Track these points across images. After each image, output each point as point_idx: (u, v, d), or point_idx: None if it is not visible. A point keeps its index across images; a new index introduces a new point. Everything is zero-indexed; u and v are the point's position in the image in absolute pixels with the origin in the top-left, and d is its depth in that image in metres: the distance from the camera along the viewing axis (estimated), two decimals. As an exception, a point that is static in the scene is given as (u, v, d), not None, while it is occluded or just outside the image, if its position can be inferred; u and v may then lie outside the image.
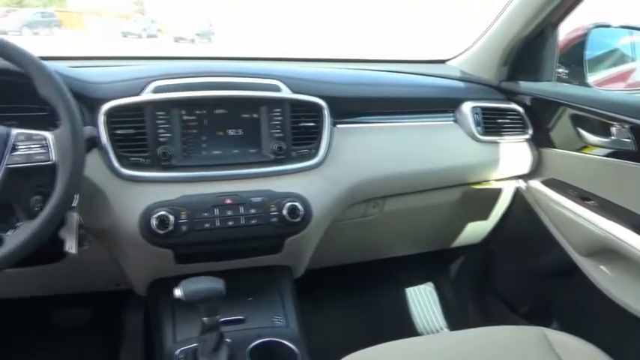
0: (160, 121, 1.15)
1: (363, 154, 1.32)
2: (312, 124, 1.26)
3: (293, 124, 1.24)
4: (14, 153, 0.88)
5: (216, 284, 1.02)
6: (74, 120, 0.91)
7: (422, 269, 1.96)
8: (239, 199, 1.16)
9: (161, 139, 1.15)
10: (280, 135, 1.22)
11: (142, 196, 1.13)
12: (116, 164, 1.12)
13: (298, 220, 1.17)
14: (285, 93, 1.23)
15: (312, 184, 1.23)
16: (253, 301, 1.23)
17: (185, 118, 1.18)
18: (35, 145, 0.90)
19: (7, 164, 0.87)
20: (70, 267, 1.21)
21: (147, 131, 1.14)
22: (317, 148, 1.26)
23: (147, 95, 1.15)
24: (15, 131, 0.90)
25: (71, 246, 1.05)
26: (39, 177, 1.05)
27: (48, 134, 0.91)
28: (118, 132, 1.13)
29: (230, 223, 1.15)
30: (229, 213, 1.15)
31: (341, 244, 1.47)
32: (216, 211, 1.14)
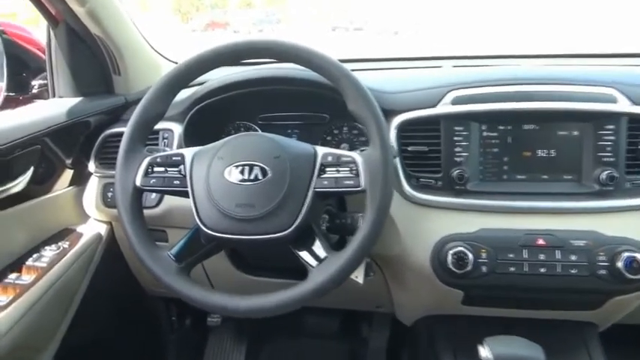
0: (457, 138, 0.98)
1: None
2: None
3: (630, 145, 0.94)
4: (322, 176, 0.80)
5: (537, 353, 0.81)
6: (385, 142, 0.79)
7: None
8: (555, 240, 0.92)
9: (457, 159, 0.98)
10: (611, 160, 0.93)
11: (434, 224, 0.98)
12: (406, 186, 0.99)
13: (639, 276, 0.88)
14: (623, 105, 0.94)
15: None
16: None
17: (485, 134, 0.99)
18: (344, 169, 0.79)
19: (315, 188, 0.79)
20: (340, 287, 1.14)
21: (442, 149, 0.98)
22: None
23: (444, 107, 0.98)
24: (322, 151, 0.82)
25: (358, 275, 0.96)
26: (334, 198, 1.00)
27: (356, 156, 0.80)
28: (409, 149, 0.99)
29: (542, 269, 0.91)
30: (542, 257, 0.92)
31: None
32: (525, 253, 0.92)
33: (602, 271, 0.89)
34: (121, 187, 0.85)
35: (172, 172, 0.85)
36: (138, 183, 0.84)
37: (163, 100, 0.87)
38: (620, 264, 0.88)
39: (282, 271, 1.17)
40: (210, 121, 1.15)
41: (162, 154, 0.86)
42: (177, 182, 0.84)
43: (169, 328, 1.53)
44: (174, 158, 0.85)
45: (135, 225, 0.84)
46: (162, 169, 0.85)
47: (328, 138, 1.17)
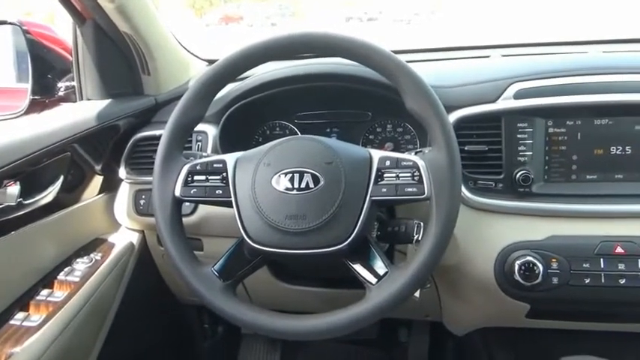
0: (520, 135, 0.90)
1: None
2: None
3: None
4: (380, 182, 0.72)
5: None
6: (452, 143, 0.71)
7: None
8: (636, 248, 0.83)
9: (520, 159, 0.90)
10: None
11: (496, 231, 0.89)
12: (463, 188, 0.90)
13: None
14: None
15: None
16: None
17: (552, 130, 0.90)
18: (405, 174, 0.72)
19: (372, 196, 0.72)
20: None
21: (503, 148, 0.90)
22: None
23: (506, 102, 0.90)
24: (378, 155, 0.74)
25: (414, 288, 0.88)
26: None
27: (418, 160, 0.72)
28: (467, 148, 0.91)
29: (622, 281, 0.83)
30: (621, 267, 0.83)
31: None
32: (603, 263, 0.83)
33: None
34: (159, 198, 0.78)
35: (214, 180, 0.78)
36: (177, 193, 0.77)
37: (203, 102, 0.80)
38: None
39: (324, 280, 1.10)
40: (244, 121, 1.08)
41: (202, 160, 0.79)
42: (219, 192, 0.77)
43: (202, 336, 1.47)
44: (215, 165, 0.78)
45: (175, 239, 0.77)
46: (202, 177, 0.78)
47: (371, 137, 1.09)
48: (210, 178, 0.78)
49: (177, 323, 1.39)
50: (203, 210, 1.02)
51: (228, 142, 1.05)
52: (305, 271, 1.09)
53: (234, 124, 1.06)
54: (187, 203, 1.03)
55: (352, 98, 1.04)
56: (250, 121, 1.11)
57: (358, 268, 0.74)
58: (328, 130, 1.11)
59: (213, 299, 0.75)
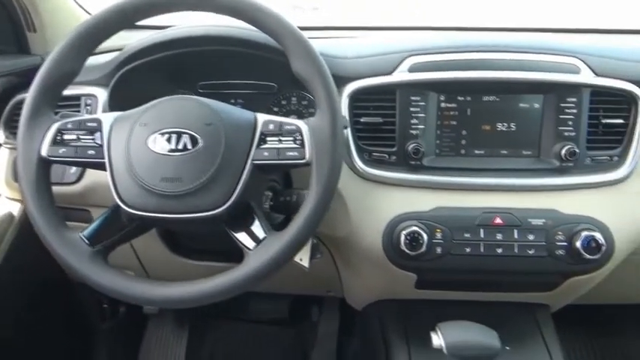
0: (413, 109, 0.90)
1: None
2: (619, 120, 0.89)
3: (591, 119, 0.89)
4: (262, 146, 0.70)
5: (492, 340, 0.76)
6: (334, 107, 0.70)
7: None
8: (512, 219, 0.86)
9: (413, 132, 0.91)
10: (572, 134, 0.89)
11: (386, 202, 0.90)
12: (357, 160, 0.90)
13: (597, 256, 0.83)
14: (586, 76, 0.88)
15: (614, 207, 0.88)
16: (512, 351, 0.93)
17: (444, 105, 0.92)
18: (287, 138, 0.70)
19: (253, 160, 0.69)
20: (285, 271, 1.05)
21: (397, 120, 0.90)
22: (623, 156, 0.89)
23: (401, 75, 0.90)
24: (263, 118, 0.72)
25: (303, 258, 0.87)
26: (276, 172, 0.90)
27: (302, 124, 0.70)
28: (362, 120, 0.91)
29: (499, 250, 0.86)
30: (499, 237, 0.86)
31: (623, 282, 1.08)
32: (482, 233, 0.86)
33: (561, 252, 0.85)
34: (23, 157, 0.71)
35: (86, 140, 0.72)
36: (44, 153, 0.71)
37: (77, 56, 0.74)
38: (578, 244, 0.83)
39: (224, 254, 1.07)
40: (141, 88, 1.01)
41: (74, 119, 0.73)
42: (91, 152, 0.72)
43: (100, 318, 1.39)
44: (89, 124, 0.73)
45: (40, 202, 0.71)
46: (74, 136, 0.72)
47: (275, 109, 1.07)
48: (82, 137, 0.72)
49: (71, 303, 1.30)
50: (90, 178, 0.96)
51: (124, 110, 0.99)
52: (197, 241, 1.06)
53: (130, 91, 1.00)
54: (72, 170, 0.97)
55: (258, 68, 1.01)
56: (149, 89, 1.05)
57: (240, 235, 0.72)
58: (233, 101, 1.07)
59: (77, 265, 0.69)
